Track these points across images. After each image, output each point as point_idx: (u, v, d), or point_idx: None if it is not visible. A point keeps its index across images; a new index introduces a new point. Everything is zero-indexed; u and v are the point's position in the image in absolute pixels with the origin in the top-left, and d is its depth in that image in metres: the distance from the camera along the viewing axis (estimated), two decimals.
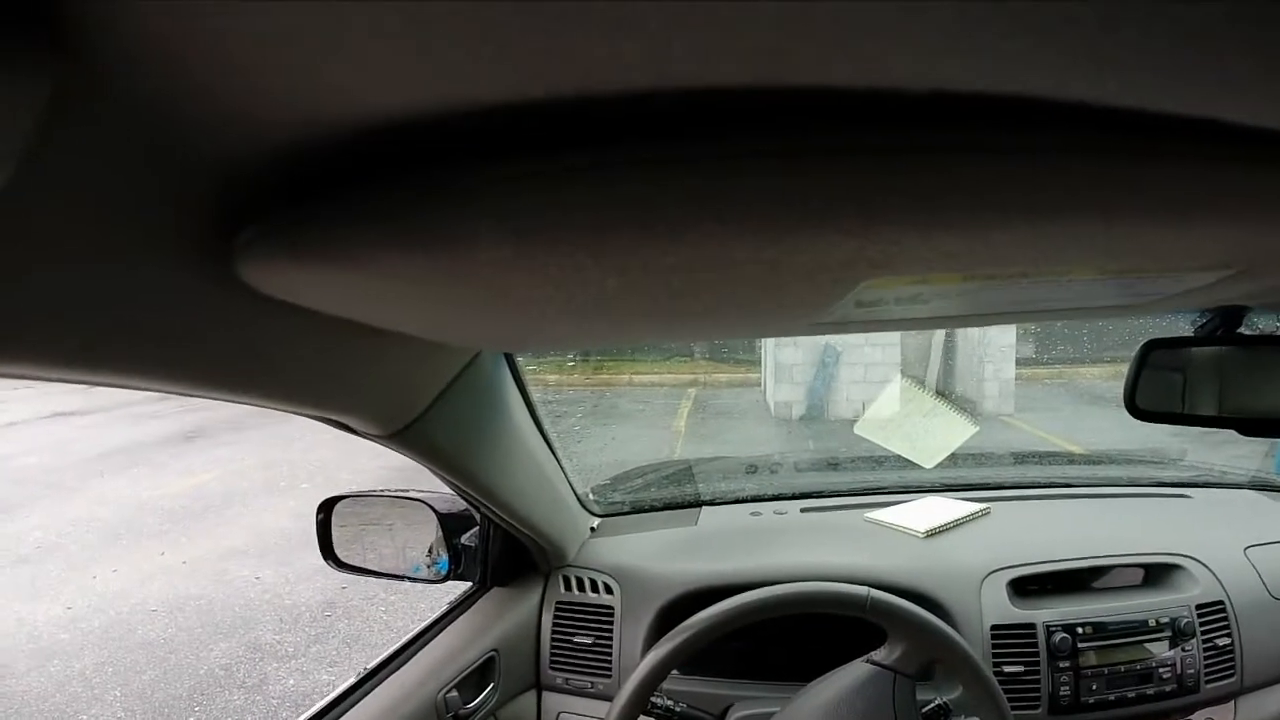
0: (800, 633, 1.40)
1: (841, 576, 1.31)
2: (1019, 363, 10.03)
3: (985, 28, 0.23)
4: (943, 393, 10.20)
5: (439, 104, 0.31)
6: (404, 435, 0.90)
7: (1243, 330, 1.05)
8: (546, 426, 1.40)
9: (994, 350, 9.52)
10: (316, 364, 0.66)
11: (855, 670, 1.20)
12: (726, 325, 0.73)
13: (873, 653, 1.22)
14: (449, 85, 0.29)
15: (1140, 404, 1.09)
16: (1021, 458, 2.54)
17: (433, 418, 0.94)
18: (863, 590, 1.20)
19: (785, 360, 9.66)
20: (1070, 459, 2.41)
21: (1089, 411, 8.41)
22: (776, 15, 0.22)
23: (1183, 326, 1.10)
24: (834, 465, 2.41)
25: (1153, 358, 1.09)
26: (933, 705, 1.26)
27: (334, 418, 0.78)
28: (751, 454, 7.39)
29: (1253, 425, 1.09)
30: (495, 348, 1.05)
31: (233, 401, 0.63)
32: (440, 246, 0.37)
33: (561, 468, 1.51)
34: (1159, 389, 1.10)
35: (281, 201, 0.39)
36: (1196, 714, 1.50)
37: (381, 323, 0.58)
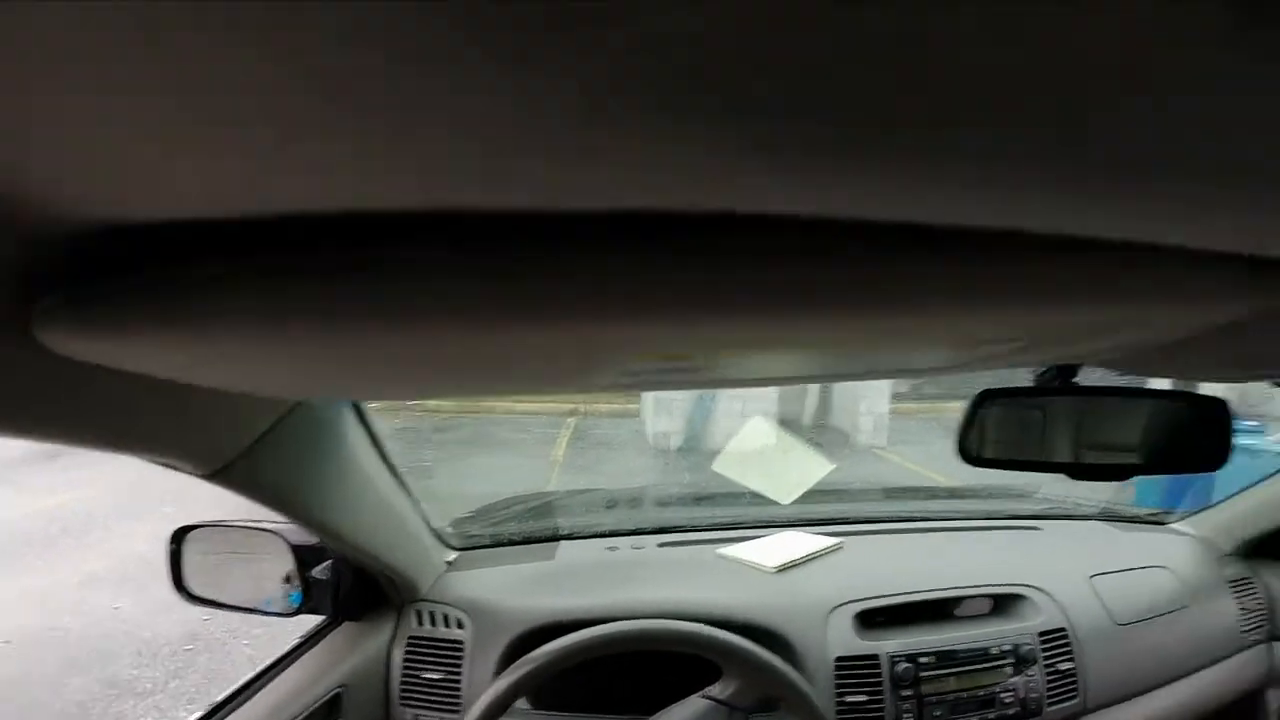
0: (652, 666, 1.39)
1: (690, 612, 1.37)
2: (894, 398, 10.37)
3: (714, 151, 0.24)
4: (819, 425, 10.48)
5: (197, 211, 0.32)
6: (226, 474, 0.87)
7: (1077, 380, 1.08)
8: (393, 459, 1.36)
9: (869, 386, 9.76)
10: (122, 408, 0.64)
11: (692, 705, 1.22)
12: (505, 385, 0.74)
13: (709, 688, 1.24)
14: (207, 198, 0.30)
15: (972, 451, 1.11)
16: (879, 493, 2.59)
17: (257, 455, 0.91)
18: (697, 627, 1.23)
19: (665, 392, 9.65)
20: (930, 493, 2.48)
21: None
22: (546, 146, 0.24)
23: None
24: (695, 500, 2.42)
25: (986, 406, 1.11)
26: None
27: (147, 457, 0.74)
28: (629, 484, 7.43)
29: (1082, 470, 1.12)
30: (307, 397, 0.99)
31: (38, 440, 0.61)
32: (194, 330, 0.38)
33: (412, 501, 1.48)
34: (991, 436, 1.12)
35: (76, 273, 0.40)
36: None
37: (184, 380, 0.58)
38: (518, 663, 1.19)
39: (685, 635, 1.23)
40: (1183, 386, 1.27)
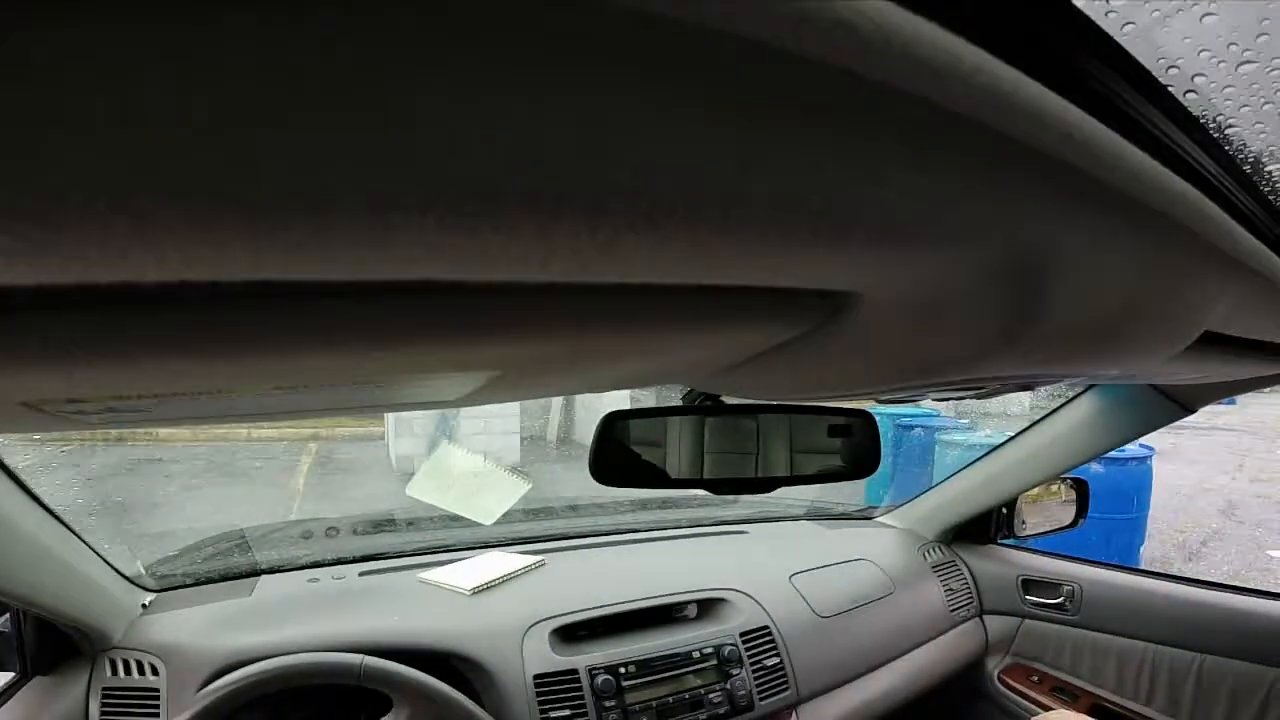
0: (340, 701, 1.34)
1: (381, 642, 1.37)
2: None
3: None
4: (564, 439, 10.55)
5: None
6: None
7: (723, 399, 1.13)
8: (53, 507, 1.30)
9: (611, 401, 9.84)
10: None
11: None
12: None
13: (384, 718, 1.21)
14: None
15: (605, 473, 1.11)
16: (584, 508, 2.63)
17: None
18: (356, 659, 1.19)
19: (405, 414, 9.41)
20: (642, 505, 2.54)
21: None
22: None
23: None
24: (400, 525, 2.35)
25: (615, 427, 1.12)
26: None
27: None
28: (374, 510, 7.13)
29: (720, 485, 1.16)
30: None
31: None
32: None
33: (88, 545, 1.41)
34: (622, 457, 1.13)
35: None
36: None
37: None
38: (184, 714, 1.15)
39: (342, 668, 1.19)
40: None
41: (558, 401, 10.41)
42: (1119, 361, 0.64)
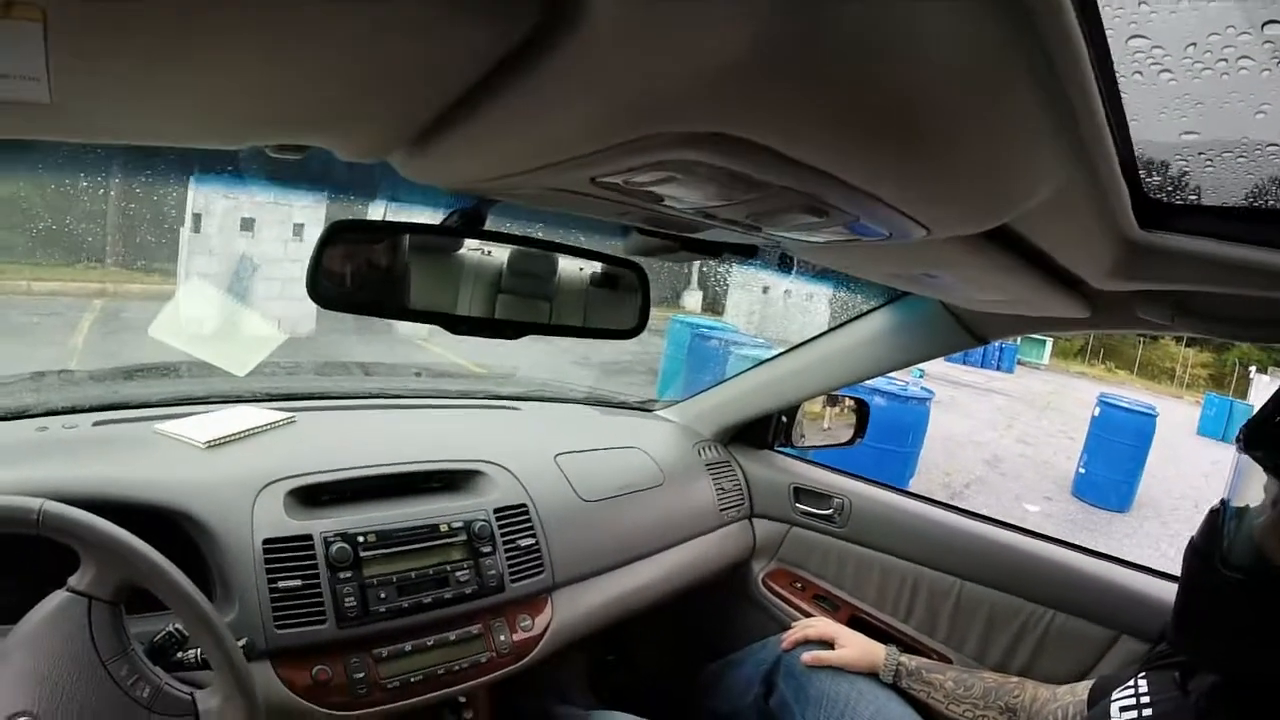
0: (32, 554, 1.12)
1: (94, 493, 1.19)
2: None
3: None
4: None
5: None
6: None
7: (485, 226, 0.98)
8: None
9: None
10: None
11: (54, 599, 1.00)
12: None
13: (71, 576, 1.02)
14: None
15: (321, 290, 0.93)
16: (358, 368, 2.46)
17: None
18: (35, 503, 0.96)
19: (199, 270, 8.93)
20: (418, 372, 2.39)
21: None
22: None
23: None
24: (150, 374, 2.10)
25: (339, 241, 0.94)
26: (162, 634, 1.10)
27: None
28: None
29: (456, 322, 1.02)
30: None
31: None
32: None
33: None
34: (346, 274, 0.96)
35: None
36: (514, 615, 1.53)
37: None
38: None
39: (16, 513, 0.97)
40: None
41: None
42: (912, 202, 0.61)
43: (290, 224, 9.21)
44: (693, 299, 17.94)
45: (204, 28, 0.36)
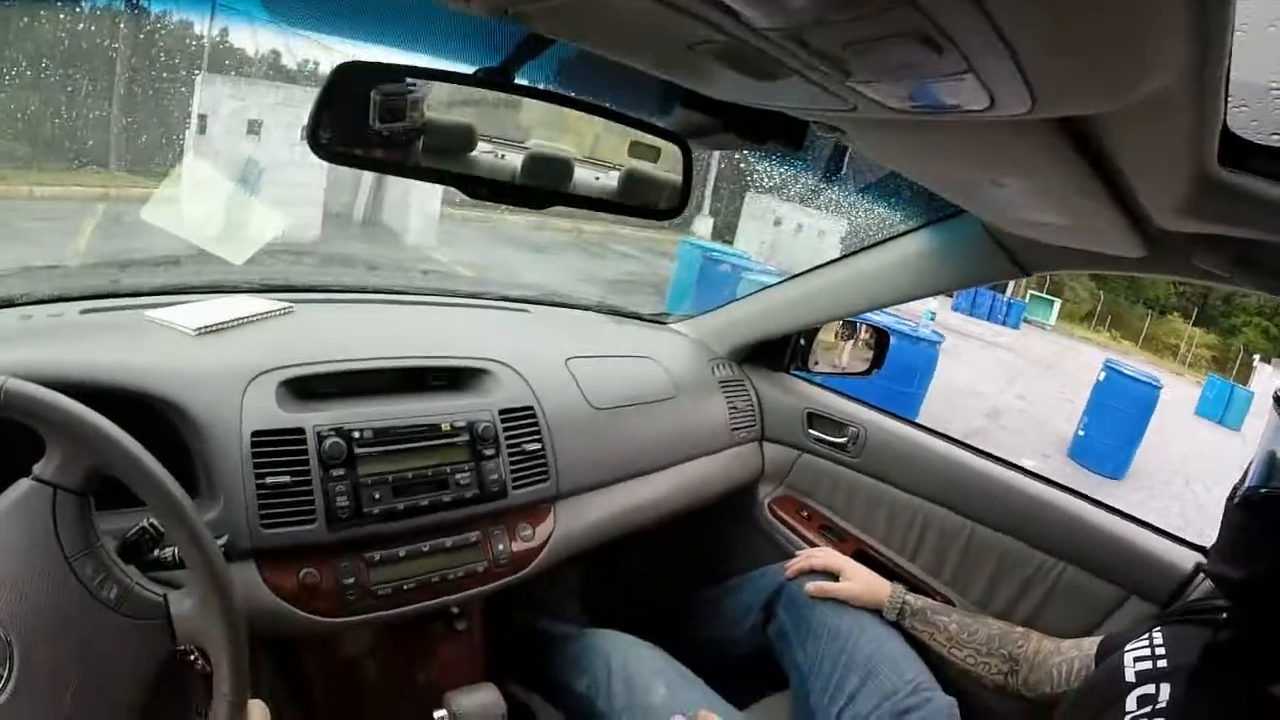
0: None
1: (68, 376, 1.09)
2: (448, 203, 10.17)
3: None
4: (370, 222, 10.08)
5: None
6: None
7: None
8: None
9: (420, 187, 9.42)
10: None
11: (16, 489, 0.90)
12: None
13: (36, 464, 0.91)
14: None
15: (320, 137, 0.83)
16: (352, 260, 2.37)
17: None
18: None
19: (204, 173, 8.71)
20: (425, 270, 2.31)
21: (505, 251, 8.90)
22: None
23: None
24: (145, 264, 2.02)
25: (352, 82, 0.84)
26: (135, 529, 0.98)
27: None
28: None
29: (474, 185, 0.92)
30: None
31: None
32: None
33: None
34: (354, 123, 0.85)
35: None
36: (515, 524, 1.48)
37: None
38: None
39: None
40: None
41: (368, 178, 9.84)
42: (1034, 58, 0.55)
43: (298, 127, 8.97)
44: (703, 225, 17.83)
45: None
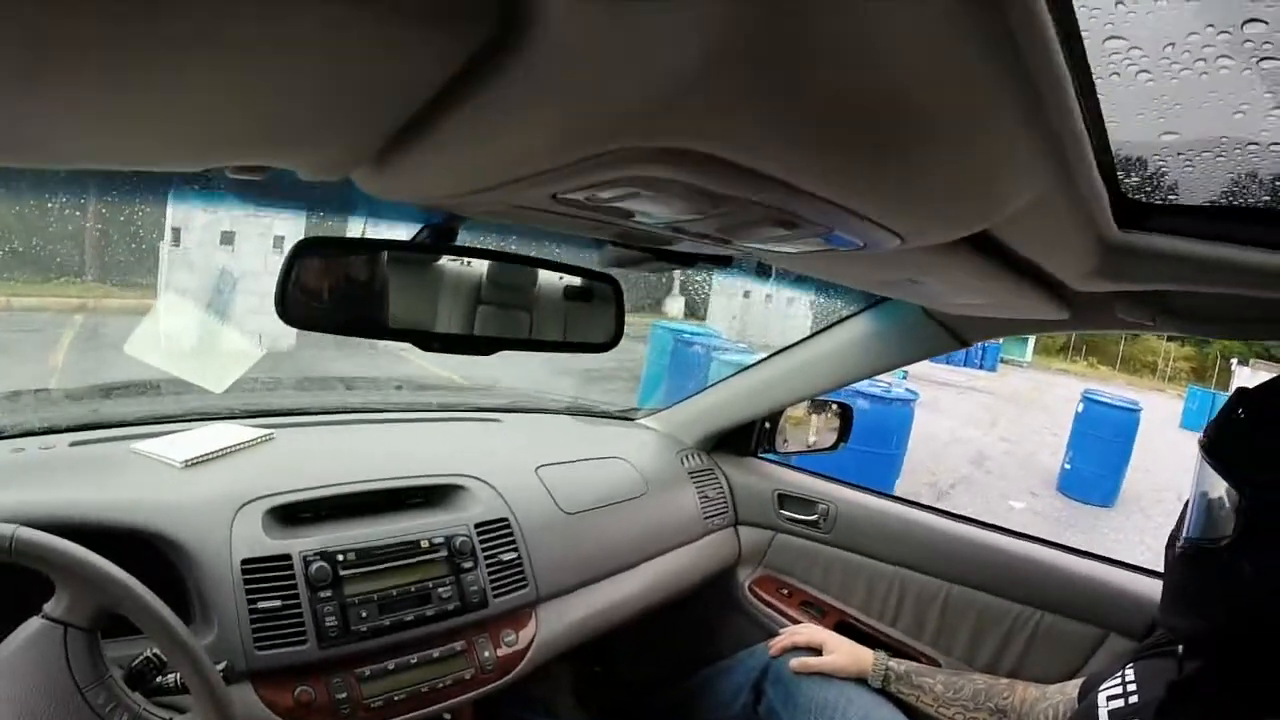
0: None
1: (67, 517, 1.16)
2: None
3: None
4: None
5: None
6: None
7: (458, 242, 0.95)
8: None
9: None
10: None
11: (29, 626, 0.98)
12: None
13: (47, 603, 1.00)
14: None
15: (291, 310, 0.91)
16: (337, 383, 2.43)
17: None
18: (7, 529, 0.94)
19: (179, 284, 8.83)
20: (398, 385, 2.37)
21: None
22: None
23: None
24: (128, 391, 2.07)
25: (311, 255, 0.92)
26: (140, 659, 1.06)
27: None
28: None
29: (431, 339, 0.99)
30: None
31: None
32: None
33: None
34: (318, 292, 0.93)
35: None
36: (498, 631, 1.52)
37: None
38: None
39: None
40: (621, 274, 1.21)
41: None
42: (885, 212, 0.60)
43: (270, 236, 9.09)
44: (674, 305, 18.10)
45: (149, 48, 0.34)
